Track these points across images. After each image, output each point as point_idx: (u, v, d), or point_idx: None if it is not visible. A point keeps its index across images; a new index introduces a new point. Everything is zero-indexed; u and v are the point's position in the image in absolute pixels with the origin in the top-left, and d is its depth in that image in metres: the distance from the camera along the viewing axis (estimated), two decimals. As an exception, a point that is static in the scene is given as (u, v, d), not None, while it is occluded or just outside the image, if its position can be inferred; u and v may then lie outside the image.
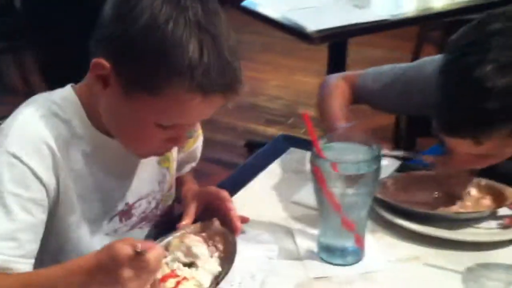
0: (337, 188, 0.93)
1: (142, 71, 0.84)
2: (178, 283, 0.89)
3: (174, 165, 1.13)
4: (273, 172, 1.25)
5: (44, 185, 0.90)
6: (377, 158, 0.93)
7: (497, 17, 0.98)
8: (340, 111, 1.27)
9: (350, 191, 0.93)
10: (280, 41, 3.46)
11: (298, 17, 2.05)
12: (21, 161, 0.88)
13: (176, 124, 0.91)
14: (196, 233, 0.99)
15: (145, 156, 1.01)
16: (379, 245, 1.04)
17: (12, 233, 0.86)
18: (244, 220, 1.04)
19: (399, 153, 1.28)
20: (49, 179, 0.91)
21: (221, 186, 1.12)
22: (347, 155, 0.95)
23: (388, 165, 1.23)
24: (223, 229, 1.00)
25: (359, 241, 0.98)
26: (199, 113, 0.90)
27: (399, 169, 1.23)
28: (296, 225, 1.08)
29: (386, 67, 1.32)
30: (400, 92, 1.27)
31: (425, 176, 1.17)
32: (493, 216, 1.07)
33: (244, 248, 0.97)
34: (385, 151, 1.15)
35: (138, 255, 0.77)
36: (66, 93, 0.96)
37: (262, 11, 2.20)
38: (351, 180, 0.93)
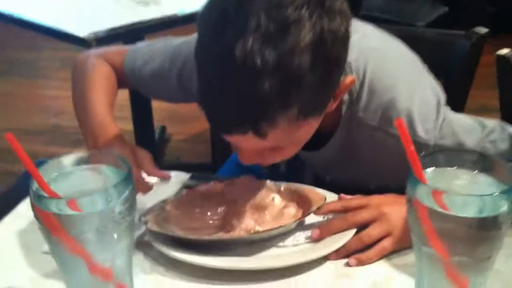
0: (79, 231, 0.65)
1: None
2: None
3: None
4: (21, 215, 0.93)
5: None
6: (126, 183, 0.66)
7: None
8: (108, 112, 1.00)
9: (96, 233, 0.65)
10: (75, 54, 3.11)
11: (71, 22, 1.75)
12: None
13: None
14: None
15: None
16: (159, 293, 0.77)
17: None
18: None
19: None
20: None
21: None
22: (86, 184, 0.67)
23: (172, 182, 0.98)
24: None
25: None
26: None
27: (190, 184, 0.99)
28: (44, 285, 0.78)
29: (155, 48, 1.07)
30: (176, 80, 1.03)
31: (214, 189, 0.92)
32: (300, 227, 0.86)
33: None
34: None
35: None
36: None
37: (30, 19, 1.84)
38: (98, 217, 0.65)
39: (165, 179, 0.92)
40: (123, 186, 0.66)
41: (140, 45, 1.10)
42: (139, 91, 1.12)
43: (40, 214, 0.64)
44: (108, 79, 1.07)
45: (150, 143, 2.40)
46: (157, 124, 2.58)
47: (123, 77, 1.08)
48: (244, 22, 0.70)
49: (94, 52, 1.13)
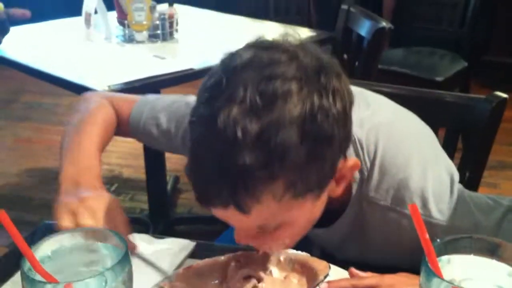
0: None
1: None
2: None
3: None
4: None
5: None
6: (123, 265, 0.63)
7: (246, 47, 0.75)
8: (97, 154, 0.98)
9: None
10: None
11: (88, 75, 1.76)
12: None
13: None
14: None
15: None
16: None
17: None
18: None
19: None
20: None
21: None
22: (82, 263, 0.64)
23: (176, 251, 0.95)
24: None
25: None
26: None
27: (195, 253, 0.95)
28: None
29: (163, 104, 1.06)
30: (182, 138, 1.01)
31: (212, 266, 0.87)
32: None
33: None
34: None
35: None
36: None
37: (46, 70, 1.85)
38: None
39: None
40: (120, 268, 0.63)
41: (149, 97, 1.09)
42: (141, 141, 1.11)
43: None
44: (108, 122, 1.05)
45: (162, 193, 2.38)
46: (170, 174, 2.56)
47: (126, 125, 1.07)
48: (232, 92, 0.69)
49: (102, 93, 1.13)
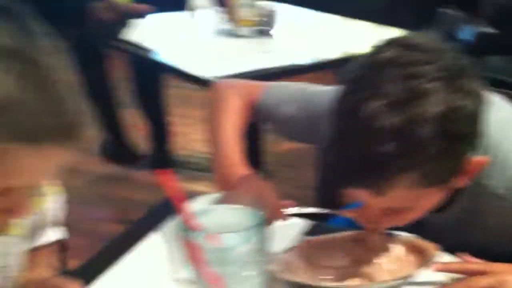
0: (218, 266, 0.72)
1: None
2: None
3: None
4: (152, 244, 1.01)
5: None
6: (260, 226, 0.73)
7: (389, 44, 0.82)
8: (236, 141, 1.10)
9: (233, 268, 0.72)
10: (194, 92, 3.24)
11: (199, 65, 1.88)
12: None
13: (7, 188, 0.65)
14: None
15: None
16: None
17: None
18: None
19: (312, 210, 1.06)
20: None
21: (82, 268, 0.89)
22: (227, 221, 0.75)
23: (295, 226, 1.03)
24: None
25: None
26: (32, 169, 0.65)
27: (311, 231, 1.03)
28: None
29: (290, 91, 1.15)
30: (306, 124, 1.10)
31: (339, 240, 0.96)
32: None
33: None
34: (292, 209, 0.97)
35: None
36: None
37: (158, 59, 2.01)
38: (234, 253, 0.72)
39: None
40: (260, 228, 0.73)
41: (276, 85, 1.19)
42: (270, 126, 1.20)
43: (186, 244, 0.73)
44: (242, 108, 1.15)
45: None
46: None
47: (255, 111, 1.16)
48: (377, 87, 0.77)
49: (230, 82, 1.23)
